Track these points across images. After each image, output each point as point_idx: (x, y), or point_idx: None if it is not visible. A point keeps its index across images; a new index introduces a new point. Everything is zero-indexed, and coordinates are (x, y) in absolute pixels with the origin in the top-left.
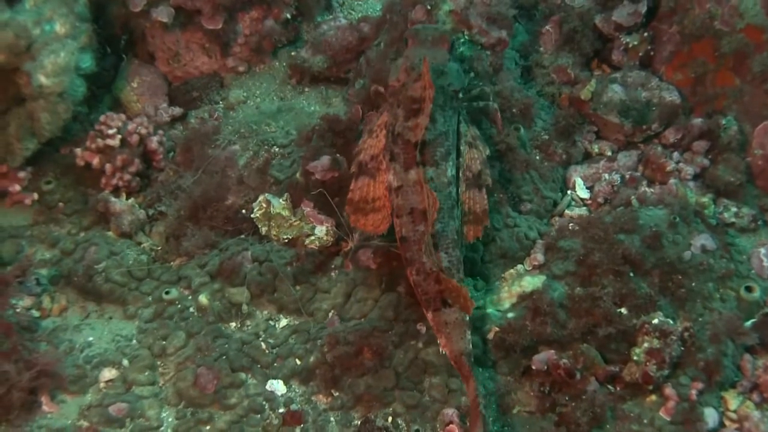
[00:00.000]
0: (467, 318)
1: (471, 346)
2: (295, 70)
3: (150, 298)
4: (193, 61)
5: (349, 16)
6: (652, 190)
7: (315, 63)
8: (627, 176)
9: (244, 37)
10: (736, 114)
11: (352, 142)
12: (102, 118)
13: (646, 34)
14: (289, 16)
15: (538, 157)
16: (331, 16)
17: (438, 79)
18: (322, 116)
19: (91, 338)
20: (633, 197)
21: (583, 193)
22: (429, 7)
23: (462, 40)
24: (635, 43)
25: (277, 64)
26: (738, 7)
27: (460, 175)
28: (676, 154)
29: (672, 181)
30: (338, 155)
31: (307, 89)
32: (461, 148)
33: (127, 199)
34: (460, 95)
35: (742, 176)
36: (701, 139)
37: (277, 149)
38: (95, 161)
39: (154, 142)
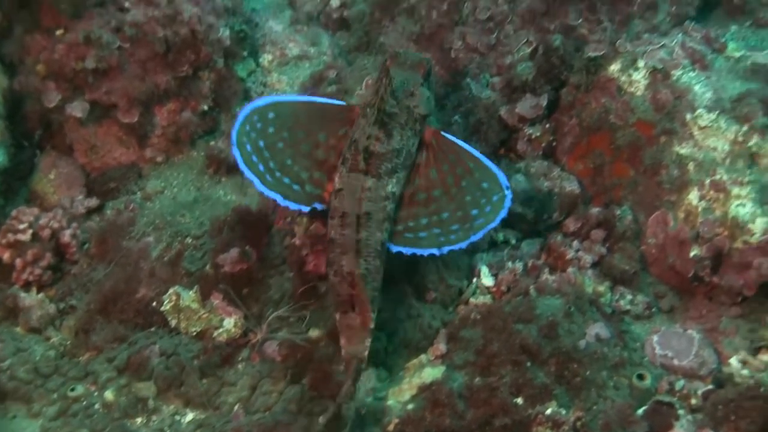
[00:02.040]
0: (372, 327)
1: (367, 353)
2: (212, 160)
3: (55, 395)
4: (111, 152)
5: None
6: (553, 277)
7: (230, 153)
8: (529, 264)
9: (161, 129)
10: (632, 204)
11: (263, 233)
12: (14, 213)
13: (548, 125)
14: (206, 107)
15: None
16: None
17: (405, 99)
18: (233, 208)
19: None
20: (531, 287)
21: (488, 280)
22: None
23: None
24: (538, 134)
25: (195, 153)
26: (629, 102)
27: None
28: (575, 243)
29: (571, 269)
30: (248, 247)
31: (224, 179)
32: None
33: (38, 293)
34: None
35: (637, 264)
36: (599, 228)
37: (190, 240)
38: (6, 256)
39: (66, 236)
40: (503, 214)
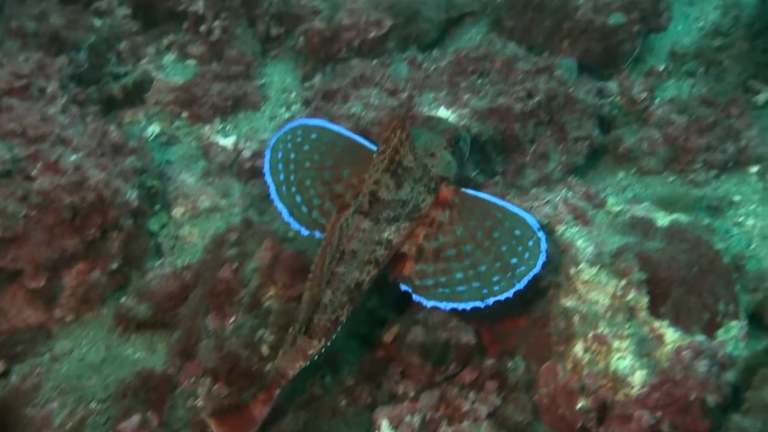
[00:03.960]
0: (312, 352)
1: (294, 373)
2: (122, 319)
3: None
4: (19, 315)
5: (177, 261)
6: (452, 429)
7: (140, 311)
8: (428, 417)
9: (70, 290)
10: (525, 353)
11: (166, 395)
12: None
13: None
14: (115, 266)
15: (344, 403)
16: (159, 262)
17: (425, 157)
18: (136, 372)
19: None
20: None
21: None
22: (235, 267)
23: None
24: None
25: (105, 311)
26: None
27: None
28: (471, 394)
29: (466, 422)
30: (149, 413)
31: (133, 336)
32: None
33: None
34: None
35: (530, 415)
36: (492, 380)
37: (94, 405)
38: None
39: None
40: (543, 257)
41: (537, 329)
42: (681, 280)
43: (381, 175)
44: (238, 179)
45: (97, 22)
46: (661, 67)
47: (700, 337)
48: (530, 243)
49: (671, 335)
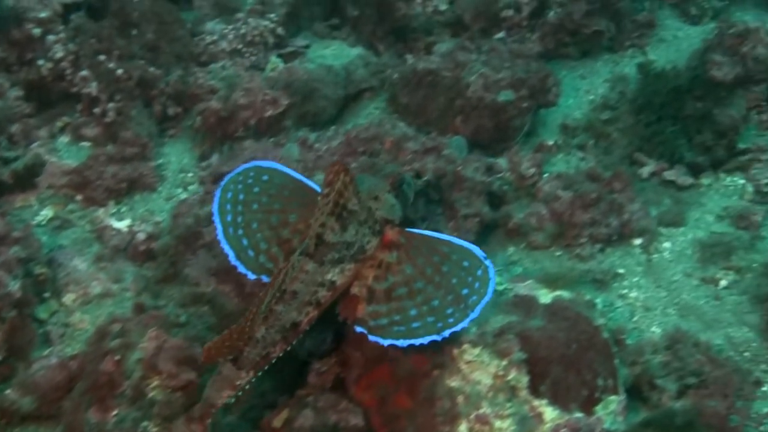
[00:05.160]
0: (239, 383)
1: (222, 402)
2: (4, 412)
3: None
4: None
5: (66, 349)
6: None
7: (24, 404)
8: None
9: None
10: None
11: None
12: None
13: (335, 359)
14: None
15: None
16: (47, 351)
17: (368, 201)
18: None
19: None
20: None
21: None
22: (117, 358)
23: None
24: (325, 368)
25: None
26: None
27: None
28: None
29: None
30: None
31: (17, 430)
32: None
33: None
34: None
35: None
36: None
37: None
38: None
39: None
40: (492, 285)
41: (424, 410)
42: (560, 358)
43: (326, 218)
44: (133, 262)
45: None
46: (552, 141)
47: (577, 414)
48: (479, 272)
49: (550, 413)
